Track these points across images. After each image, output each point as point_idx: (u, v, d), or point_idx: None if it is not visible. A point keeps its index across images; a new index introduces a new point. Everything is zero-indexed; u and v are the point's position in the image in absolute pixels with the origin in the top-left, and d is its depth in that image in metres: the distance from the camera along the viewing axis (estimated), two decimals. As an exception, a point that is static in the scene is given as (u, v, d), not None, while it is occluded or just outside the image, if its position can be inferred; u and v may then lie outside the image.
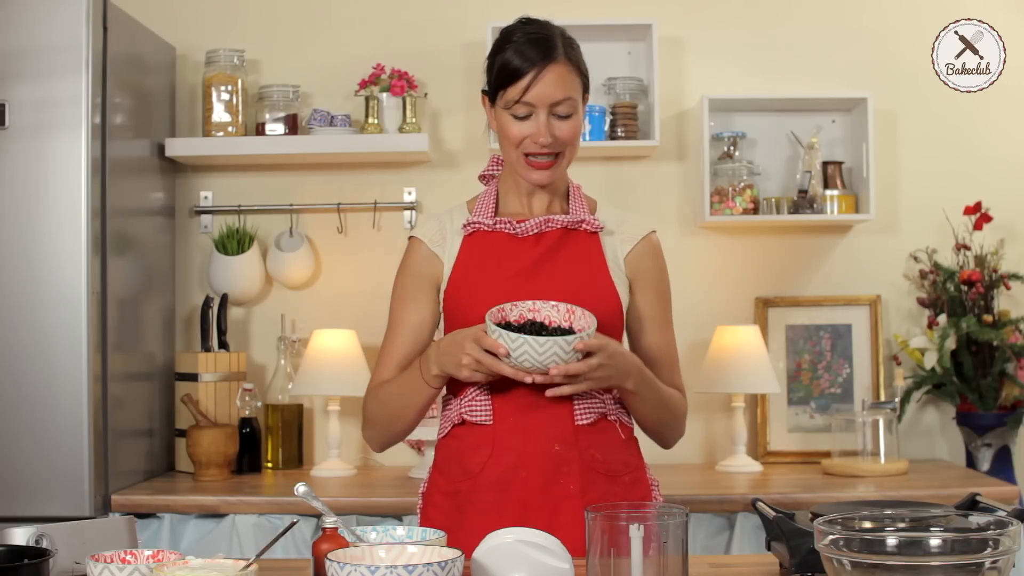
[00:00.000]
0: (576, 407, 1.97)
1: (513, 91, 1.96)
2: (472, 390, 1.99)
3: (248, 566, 1.50)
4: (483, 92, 2.06)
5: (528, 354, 1.80)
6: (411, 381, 1.99)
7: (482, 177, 2.15)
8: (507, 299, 1.93)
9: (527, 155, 1.99)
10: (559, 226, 2.02)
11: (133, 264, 3.19)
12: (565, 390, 1.87)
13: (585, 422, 1.97)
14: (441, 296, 2.05)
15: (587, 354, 1.85)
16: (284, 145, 3.39)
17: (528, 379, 1.84)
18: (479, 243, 2.03)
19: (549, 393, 1.87)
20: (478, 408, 1.98)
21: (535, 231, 2.01)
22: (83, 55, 2.87)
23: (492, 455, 1.96)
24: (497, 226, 2.03)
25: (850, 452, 3.27)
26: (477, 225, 2.03)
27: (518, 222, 2.02)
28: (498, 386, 1.96)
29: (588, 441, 1.97)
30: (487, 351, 1.84)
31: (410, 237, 2.11)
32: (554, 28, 2.02)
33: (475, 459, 1.97)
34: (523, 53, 1.96)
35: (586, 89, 2.04)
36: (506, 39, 2.00)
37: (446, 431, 2.04)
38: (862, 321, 3.49)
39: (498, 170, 2.12)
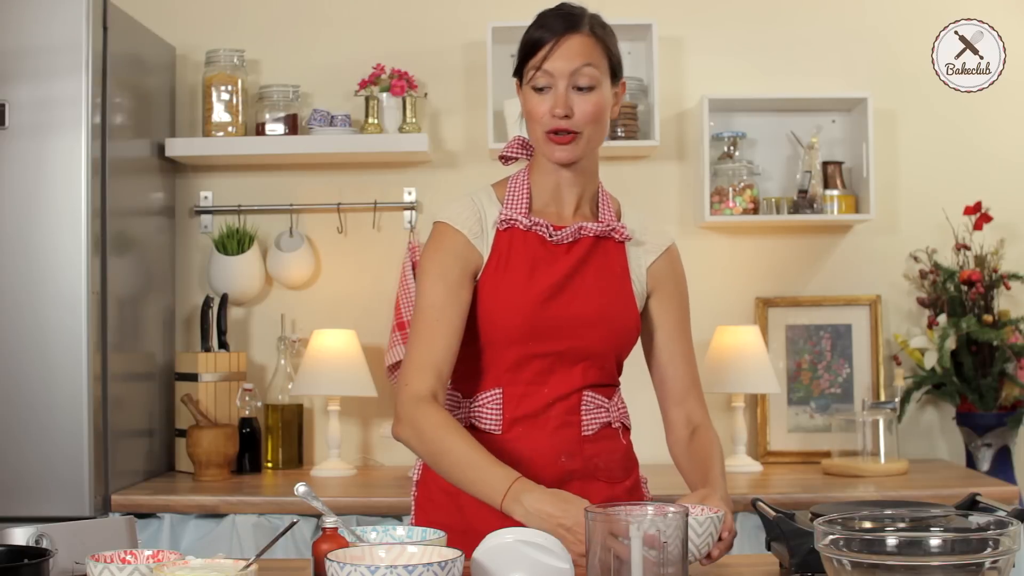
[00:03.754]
0: (583, 417, 1.96)
1: (534, 61, 1.93)
2: (482, 396, 1.97)
3: (248, 566, 1.50)
4: (514, 76, 2.01)
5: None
6: (481, 486, 1.81)
7: (503, 158, 2.08)
8: (536, 310, 1.90)
9: (549, 133, 1.93)
10: (591, 234, 1.99)
11: (133, 264, 3.19)
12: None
13: (590, 432, 1.97)
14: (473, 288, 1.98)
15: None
16: (284, 145, 3.39)
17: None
18: (513, 243, 1.97)
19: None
20: (487, 416, 1.96)
21: (569, 239, 1.97)
22: (83, 55, 2.87)
23: None
24: (533, 227, 1.97)
25: (850, 452, 3.27)
26: (513, 222, 1.97)
27: (555, 228, 1.97)
28: (509, 396, 1.95)
29: (593, 450, 1.97)
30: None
31: (443, 223, 1.98)
32: (587, 10, 1.97)
33: None
34: (547, 24, 1.93)
35: (615, 73, 1.97)
36: (537, 17, 1.97)
37: None
38: (862, 321, 3.49)
39: (520, 153, 2.07)
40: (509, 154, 2.08)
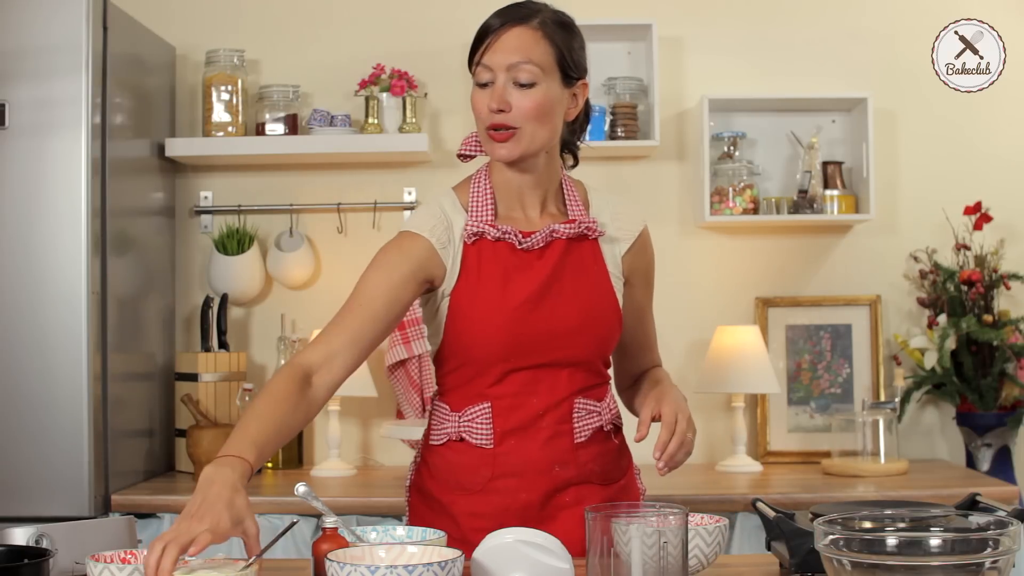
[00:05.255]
0: (575, 425, 1.93)
1: (476, 56, 1.88)
2: (471, 411, 1.92)
3: (248, 566, 1.50)
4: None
5: None
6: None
7: (460, 156, 2.02)
8: (515, 325, 1.86)
9: (488, 129, 1.87)
10: (563, 237, 1.92)
11: (133, 264, 3.19)
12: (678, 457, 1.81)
13: (583, 438, 1.93)
14: (443, 305, 1.92)
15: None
16: (284, 145, 3.39)
17: None
18: (482, 256, 1.91)
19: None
20: (478, 430, 1.91)
21: (541, 244, 1.91)
22: (83, 55, 2.86)
23: (492, 478, 1.91)
24: (503, 237, 1.90)
25: (850, 452, 3.27)
26: (480, 234, 1.90)
27: (524, 235, 1.91)
28: (500, 410, 1.91)
29: (586, 456, 1.94)
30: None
31: (410, 232, 1.92)
32: (547, 6, 1.91)
33: (474, 479, 1.92)
34: (492, 18, 1.88)
35: (568, 72, 1.89)
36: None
37: (441, 441, 1.96)
38: (862, 321, 3.49)
39: (478, 150, 1.99)
40: (467, 151, 2.01)
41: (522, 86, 1.85)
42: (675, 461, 1.80)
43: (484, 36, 1.87)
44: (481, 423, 1.91)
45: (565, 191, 1.99)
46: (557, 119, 1.91)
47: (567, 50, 1.89)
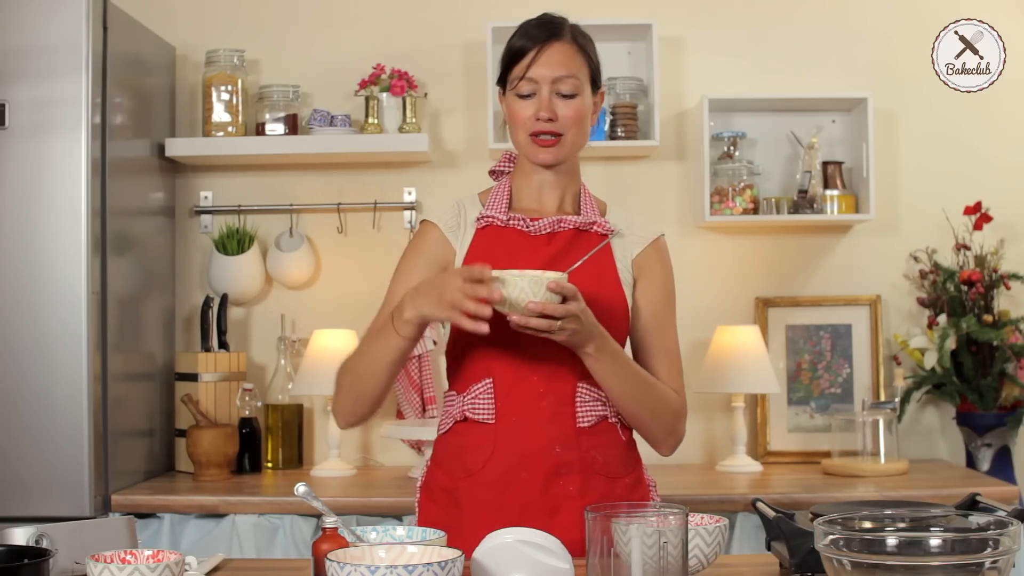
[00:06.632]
0: (578, 409, 1.97)
1: (518, 69, 2.00)
2: (475, 388, 1.98)
3: (568, 271, 1.77)
4: (498, 84, 2.09)
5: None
6: (381, 333, 1.93)
7: (492, 173, 2.15)
8: None
9: (532, 135, 2.00)
10: (571, 226, 2.02)
11: (133, 264, 3.19)
12: (533, 323, 1.78)
13: (586, 424, 1.97)
14: None
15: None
16: (284, 145, 3.39)
17: (515, 317, 1.78)
18: (491, 238, 2.02)
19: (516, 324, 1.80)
20: (481, 406, 1.97)
21: (548, 230, 2.02)
22: (83, 55, 2.87)
23: (493, 454, 1.96)
24: (511, 222, 2.03)
25: (850, 452, 3.27)
26: (490, 219, 2.03)
27: (531, 220, 2.02)
28: (501, 385, 1.96)
29: (589, 443, 1.97)
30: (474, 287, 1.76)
31: (423, 220, 2.10)
32: (565, 19, 2.06)
33: (476, 457, 1.97)
34: (529, 34, 2.01)
35: (595, 81, 2.05)
36: (519, 27, 2.05)
37: (447, 427, 2.03)
38: (862, 321, 3.49)
39: (509, 167, 2.13)
40: (499, 168, 2.14)
41: (565, 96, 1.99)
42: (534, 321, 1.78)
43: (524, 51, 2.00)
44: (484, 399, 1.97)
45: (583, 196, 2.10)
46: (588, 126, 2.07)
47: (595, 59, 2.06)
